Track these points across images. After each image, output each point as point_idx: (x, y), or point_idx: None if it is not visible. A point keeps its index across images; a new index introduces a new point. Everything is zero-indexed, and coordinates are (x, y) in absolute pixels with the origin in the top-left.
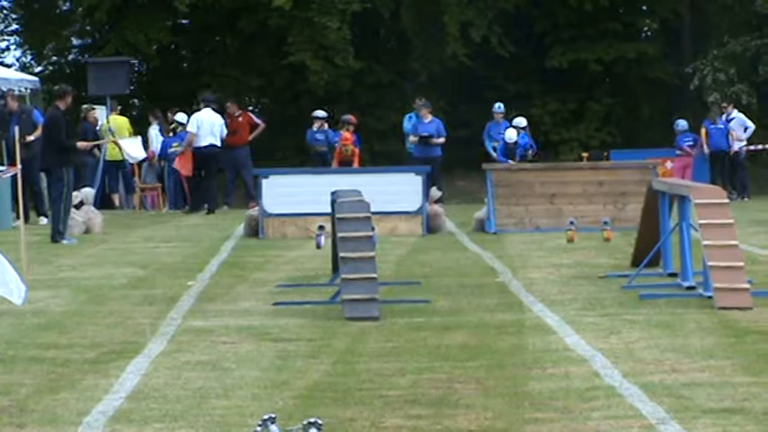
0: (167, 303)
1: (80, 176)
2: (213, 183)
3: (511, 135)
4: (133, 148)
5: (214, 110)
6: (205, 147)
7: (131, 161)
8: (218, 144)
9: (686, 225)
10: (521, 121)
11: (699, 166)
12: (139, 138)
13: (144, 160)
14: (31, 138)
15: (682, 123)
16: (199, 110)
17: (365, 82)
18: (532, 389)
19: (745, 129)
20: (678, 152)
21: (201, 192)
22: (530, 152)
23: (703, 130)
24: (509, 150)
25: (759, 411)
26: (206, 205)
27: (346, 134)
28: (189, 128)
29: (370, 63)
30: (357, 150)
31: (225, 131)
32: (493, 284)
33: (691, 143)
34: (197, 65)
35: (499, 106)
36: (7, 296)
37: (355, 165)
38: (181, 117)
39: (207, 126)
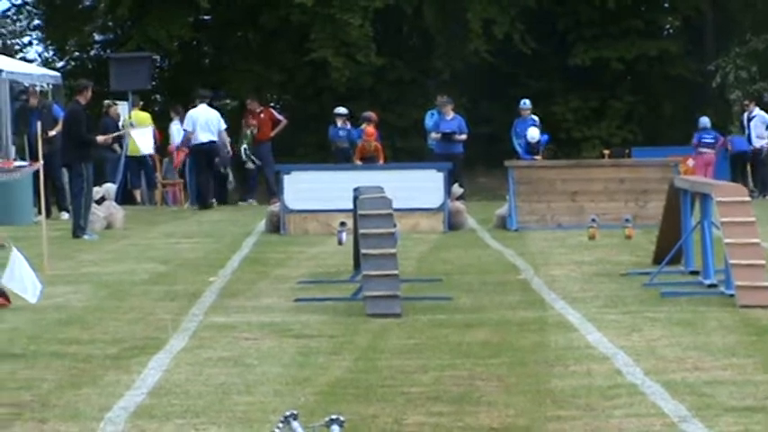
0: (189, 299)
1: (101, 172)
2: (209, 177)
3: (533, 134)
4: (143, 140)
5: (210, 105)
6: (202, 143)
7: (144, 152)
8: (216, 139)
9: (708, 223)
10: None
11: (721, 164)
12: (151, 128)
13: (162, 156)
14: (53, 133)
15: (703, 120)
16: (206, 105)
17: (387, 79)
18: (554, 386)
19: (767, 127)
20: (696, 149)
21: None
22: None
23: (729, 145)
24: (532, 148)
25: None
26: (213, 200)
27: (369, 129)
28: (185, 126)
29: (392, 60)
30: (380, 146)
31: (223, 125)
32: (515, 282)
33: (711, 140)
34: (219, 60)
35: (525, 102)
36: (22, 293)
37: (380, 160)
38: None
39: (202, 122)
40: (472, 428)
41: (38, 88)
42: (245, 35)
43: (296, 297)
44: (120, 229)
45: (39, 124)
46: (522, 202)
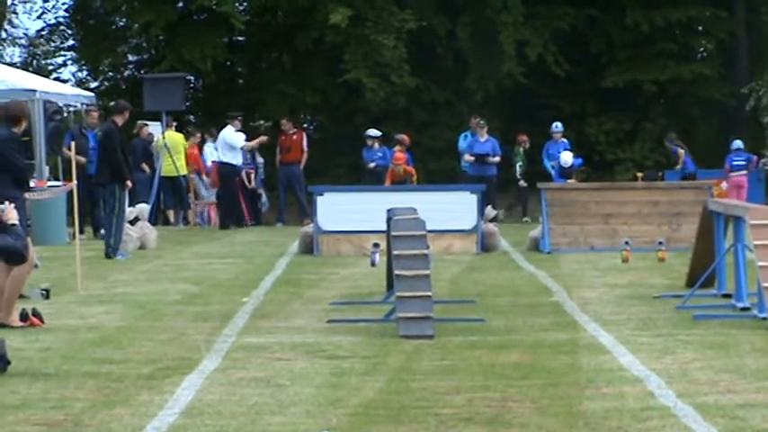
0: (222, 320)
1: (134, 192)
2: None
3: (566, 159)
4: None
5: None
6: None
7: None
8: (222, 160)
9: (741, 246)
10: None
11: (752, 186)
12: None
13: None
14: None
15: (735, 143)
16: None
17: (421, 100)
18: (587, 408)
19: None
20: (727, 172)
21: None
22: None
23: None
24: (565, 173)
25: None
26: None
27: (398, 154)
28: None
29: (425, 81)
30: (411, 169)
31: (231, 141)
32: (547, 304)
33: (742, 163)
34: (253, 81)
35: (557, 125)
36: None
37: (414, 183)
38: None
39: (219, 143)
40: None
41: (71, 109)
42: (279, 56)
43: (329, 318)
44: (153, 250)
45: (72, 144)
46: (555, 224)
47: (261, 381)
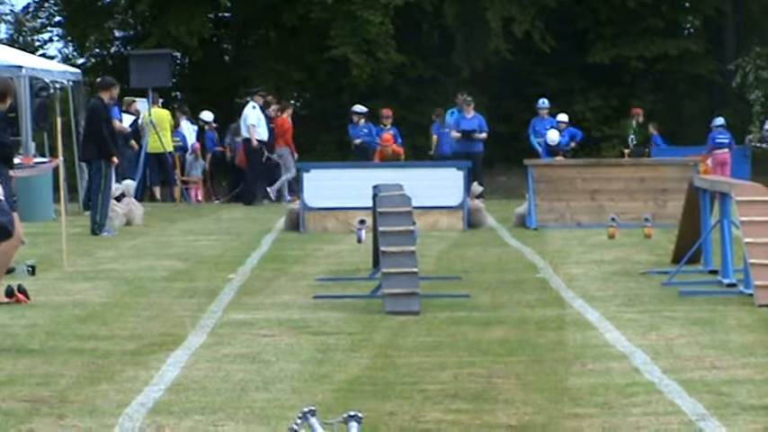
0: (208, 296)
1: (121, 169)
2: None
3: (553, 137)
4: None
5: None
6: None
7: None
8: (247, 136)
9: (727, 222)
10: (563, 117)
11: (738, 163)
12: None
13: (188, 152)
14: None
15: (717, 120)
16: (245, 103)
17: (407, 76)
18: (572, 384)
19: None
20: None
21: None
22: (574, 142)
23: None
24: (552, 150)
25: None
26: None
27: (386, 135)
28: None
29: (412, 57)
30: (400, 149)
31: (248, 121)
32: (533, 280)
33: (725, 140)
34: (239, 58)
35: (543, 102)
36: None
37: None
38: (206, 116)
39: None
40: (490, 426)
41: (58, 85)
42: (265, 33)
43: (314, 294)
44: (139, 226)
45: (60, 121)
46: (541, 200)
47: (246, 357)
